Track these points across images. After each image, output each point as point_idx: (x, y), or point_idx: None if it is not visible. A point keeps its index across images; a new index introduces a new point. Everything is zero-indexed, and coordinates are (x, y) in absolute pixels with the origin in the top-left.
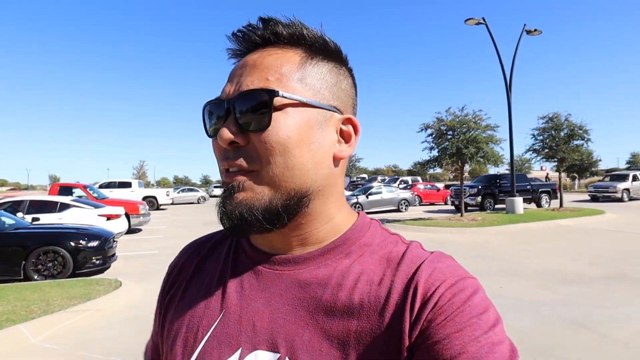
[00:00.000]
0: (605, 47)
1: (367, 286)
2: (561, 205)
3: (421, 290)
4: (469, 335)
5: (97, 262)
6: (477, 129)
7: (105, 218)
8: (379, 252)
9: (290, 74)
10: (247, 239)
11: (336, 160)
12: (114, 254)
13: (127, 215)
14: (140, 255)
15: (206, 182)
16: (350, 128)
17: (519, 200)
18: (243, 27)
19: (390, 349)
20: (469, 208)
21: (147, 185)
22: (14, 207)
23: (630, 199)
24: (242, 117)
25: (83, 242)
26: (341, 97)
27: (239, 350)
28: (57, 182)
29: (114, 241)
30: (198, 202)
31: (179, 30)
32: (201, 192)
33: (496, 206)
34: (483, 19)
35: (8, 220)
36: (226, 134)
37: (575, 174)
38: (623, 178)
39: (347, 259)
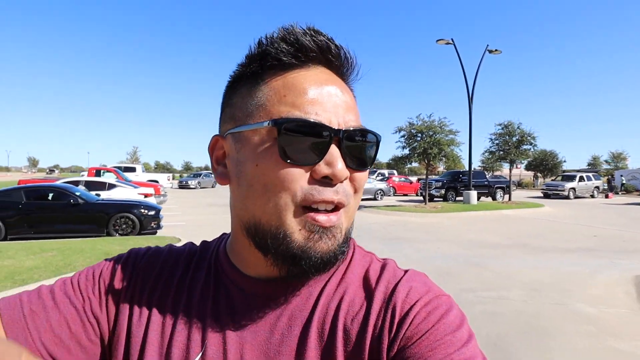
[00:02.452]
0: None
1: (349, 308)
2: (510, 199)
3: (398, 310)
4: (443, 352)
5: (154, 226)
6: (441, 133)
7: (143, 196)
8: (358, 271)
9: (359, 118)
10: (229, 261)
11: None
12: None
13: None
14: (173, 226)
15: (187, 168)
16: None
17: (473, 193)
18: (328, 40)
19: None
20: (435, 199)
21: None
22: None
23: (576, 197)
24: (349, 155)
25: (145, 211)
26: None
27: None
28: (93, 167)
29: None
30: (213, 187)
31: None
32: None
33: (457, 198)
34: (452, 39)
35: (90, 195)
36: (345, 168)
37: (538, 173)
38: (571, 178)
39: (333, 279)
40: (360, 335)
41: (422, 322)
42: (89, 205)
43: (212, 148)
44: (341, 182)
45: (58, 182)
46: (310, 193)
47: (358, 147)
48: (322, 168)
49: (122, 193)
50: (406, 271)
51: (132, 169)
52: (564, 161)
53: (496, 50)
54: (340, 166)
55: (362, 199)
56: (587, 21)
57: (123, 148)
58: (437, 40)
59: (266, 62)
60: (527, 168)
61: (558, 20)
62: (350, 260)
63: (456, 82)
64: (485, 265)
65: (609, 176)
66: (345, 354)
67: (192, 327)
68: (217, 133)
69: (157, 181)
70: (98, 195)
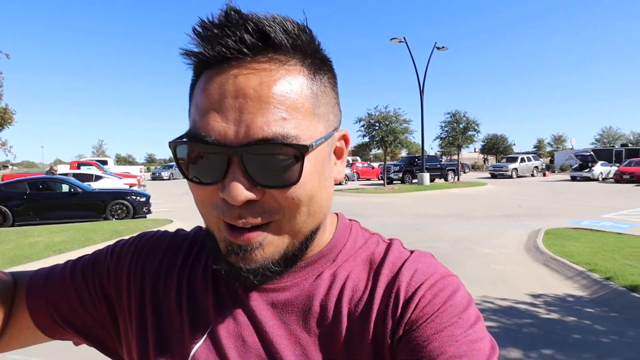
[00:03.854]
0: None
1: (352, 292)
2: (458, 179)
3: (403, 293)
4: (449, 335)
5: (146, 211)
6: (396, 122)
7: (128, 186)
8: (362, 255)
9: (304, 107)
10: None
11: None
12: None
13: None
14: (159, 211)
15: (151, 161)
16: (342, 143)
17: (426, 175)
18: (213, 24)
19: (376, 353)
20: (394, 181)
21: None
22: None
23: (518, 176)
24: (258, 172)
25: (138, 198)
26: (338, 112)
27: None
28: (76, 160)
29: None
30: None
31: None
32: None
33: (413, 180)
34: (404, 38)
35: (86, 185)
36: (241, 193)
37: (489, 156)
38: (514, 160)
39: (333, 266)
40: (363, 319)
41: (428, 305)
42: (86, 194)
43: None
44: (245, 204)
45: (51, 175)
46: (220, 212)
47: (266, 162)
48: (219, 190)
49: (109, 183)
50: (412, 252)
51: (104, 162)
52: (514, 144)
53: (443, 47)
54: (233, 191)
55: None
56: (524, 7)
57: (80, 142)
58: (391, 39)
59: (196, 64)
60: (482, 151)
61: (500, 7)
62: (354, 241)
63: (410, 71)
64: (424, 229)
65: (550, 157)
66: (347, 338)
67: (193, 314)
68: None
69: (129, 173)
70: (89, 186)
